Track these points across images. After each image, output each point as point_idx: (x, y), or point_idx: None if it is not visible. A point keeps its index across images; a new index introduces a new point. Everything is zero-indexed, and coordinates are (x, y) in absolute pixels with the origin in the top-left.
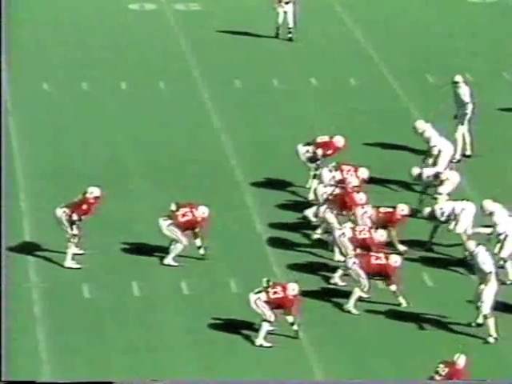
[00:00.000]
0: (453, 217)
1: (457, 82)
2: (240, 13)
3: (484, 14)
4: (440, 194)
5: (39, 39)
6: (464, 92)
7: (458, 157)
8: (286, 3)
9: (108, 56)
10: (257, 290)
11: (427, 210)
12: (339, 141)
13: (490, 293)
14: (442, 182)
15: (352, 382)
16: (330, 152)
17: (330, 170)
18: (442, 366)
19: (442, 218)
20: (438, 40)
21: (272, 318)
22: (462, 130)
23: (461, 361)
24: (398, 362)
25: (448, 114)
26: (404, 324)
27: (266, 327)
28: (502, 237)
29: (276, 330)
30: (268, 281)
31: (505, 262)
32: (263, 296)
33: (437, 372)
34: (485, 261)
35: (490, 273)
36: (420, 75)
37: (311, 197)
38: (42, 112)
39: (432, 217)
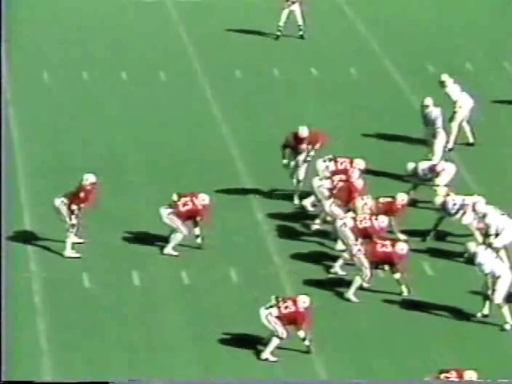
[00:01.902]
0: (462, 210)
1: (443, 82)
2: (241, 3)
3: (485, 5)
4: (438, 185)
5: (39, 28)
6: (451, 90)
7: (450, 145)
8: (293, 3)
9: (108, 48)
10: (268, 305)
11: (439, 201)
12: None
13: (504, 283)
14: (438, 174)
15: (352, 382)
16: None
17: (325, 161)
18: (453, 372)
19: (453, 210)
20: (440, 30)
21: (284, 335)
22: (457, 122)
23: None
24: (398, 361)
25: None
26: (404, 322)
27: (275, 342)
28: (497, 232)
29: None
30: (277, 297)
31: (497, 251)
32: (274, 311)
33: (445, 373)
34: (483, 262)
35: (487, 274)
36: (421, 66)
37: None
38: (42, 104)
39: (443, 208)
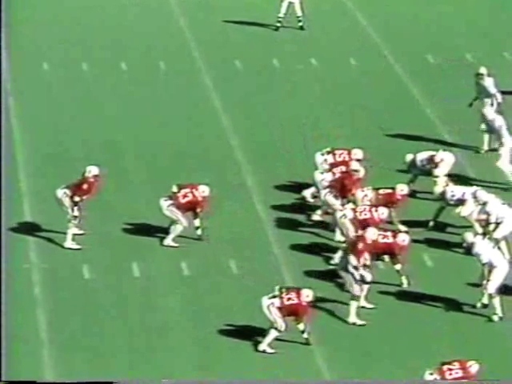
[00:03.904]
0: (461, 201)
1: (481, 74)
2: None
3: None
4: (437, 176)
5: (39, 20)
6: (488, 84)
7: (486, 147)
8: None
9: (108, 37)
10: (271, 295)
11: (438, 191)
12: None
13: (499, 273)
14: (437, 165)
15: (353, 381)
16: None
17: (323, 154)
18: (456, 364)
19: (451, 201)
20: (441, 21)
21: (282, 328)
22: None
23: (474, 368)
24: (398, 352)
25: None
26: (403, 313)
27: (273, 334)
28: (498, 221)
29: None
30: (281, 288)
31: (497, 242)
32: (277, 302)
33: (447, 365)
34: (480, 252)
35: (485, 264)
36: (421, 56)
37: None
38: (43, 96)
39: (442, 198)
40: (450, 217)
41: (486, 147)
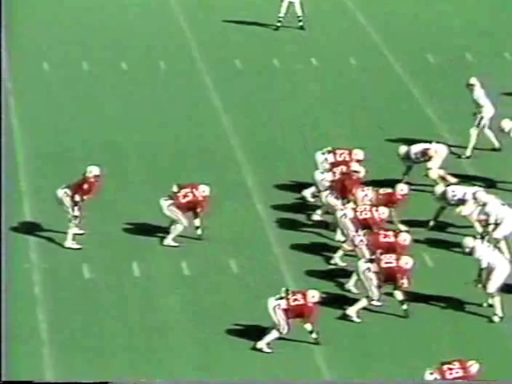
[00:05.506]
0: (462, 201)
1: (472, 85)
2: None
3: None
4: (430, 168)
5: (39, 20)
6: (478, 95)
7: (468, 153)
8: None
9: (108, 37)
10: (277, 297)
11: (440, 190)
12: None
13: (499, 274)
14: (430, 158)
15: (353, 381)
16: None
17: (323, 153)
18: (456, 363)
19: (452, 201)
20: (441, 20)
21: (285, 331)
22: (479, 128)
23: (474, 368)
24: (398, 351)
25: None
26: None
27: (274, 335)
28: (497, 221)
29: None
30: (287, 290)
31: (497, 242)
32: (283, 303)
33: (447, 364)
34: (481, 257)
35: (483, 269)
36: (421, 56)
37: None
38: (43, 95)
39: (443, 198)
40: (450, 217)
41: (468, 153)
